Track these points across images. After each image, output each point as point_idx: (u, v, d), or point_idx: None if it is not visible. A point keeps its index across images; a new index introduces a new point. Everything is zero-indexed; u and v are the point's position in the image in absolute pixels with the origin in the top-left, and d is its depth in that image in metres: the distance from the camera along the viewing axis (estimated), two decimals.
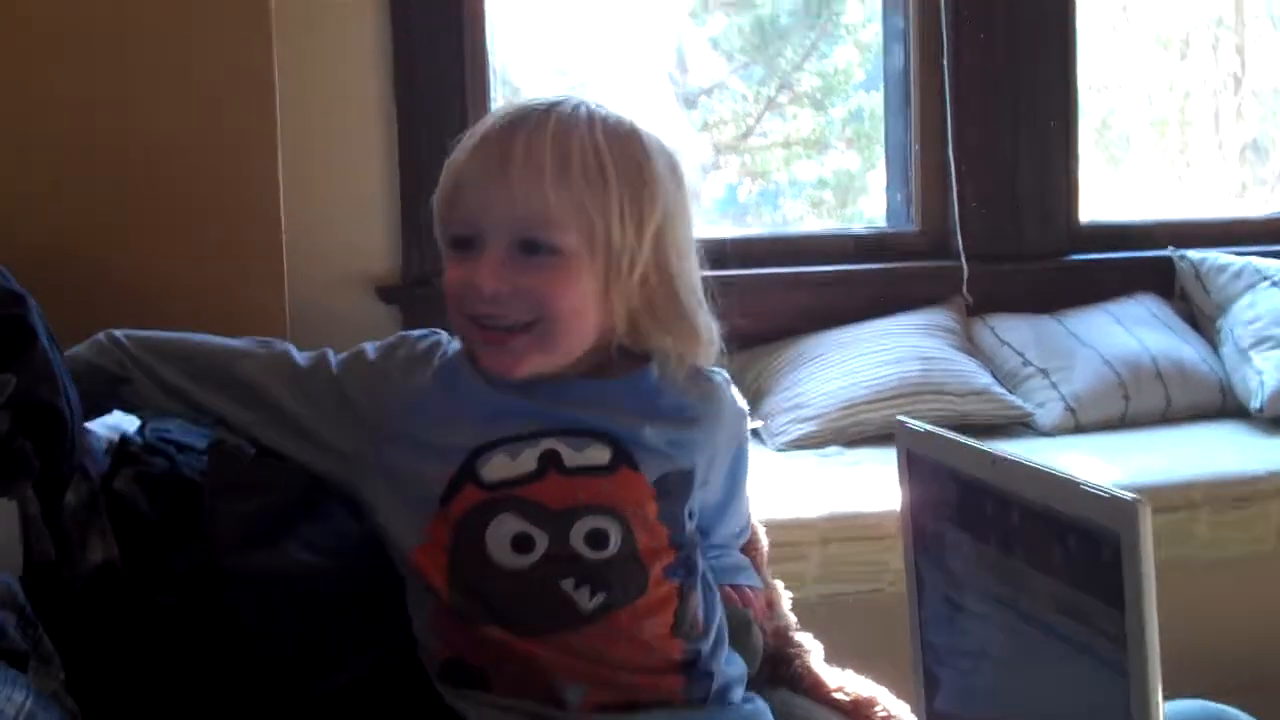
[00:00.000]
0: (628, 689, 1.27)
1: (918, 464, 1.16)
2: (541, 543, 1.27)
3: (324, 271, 2.96)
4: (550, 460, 1.30)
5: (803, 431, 3.11)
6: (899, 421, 1.18)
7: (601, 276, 1.31)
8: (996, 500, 1.03)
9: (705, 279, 1.39)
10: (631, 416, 1.35)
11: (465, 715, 1.27)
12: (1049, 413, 3.21)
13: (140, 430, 1.54)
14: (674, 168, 1.36)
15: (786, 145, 4.15)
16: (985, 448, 1.04)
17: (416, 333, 1.42)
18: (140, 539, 1.38)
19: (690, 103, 4.02)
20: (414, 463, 1.32)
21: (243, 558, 1.38)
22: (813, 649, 1.58)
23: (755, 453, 1.70)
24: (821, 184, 4.12)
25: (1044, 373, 3.30)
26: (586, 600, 1.27)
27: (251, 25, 2.26)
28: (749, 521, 1.56)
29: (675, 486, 1.35)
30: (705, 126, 4.06)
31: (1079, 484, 0.91)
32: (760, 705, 1.35)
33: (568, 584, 1.27)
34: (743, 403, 1.48)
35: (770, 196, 4.17)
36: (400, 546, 1.33)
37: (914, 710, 1.43)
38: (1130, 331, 3.39)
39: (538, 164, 1.27)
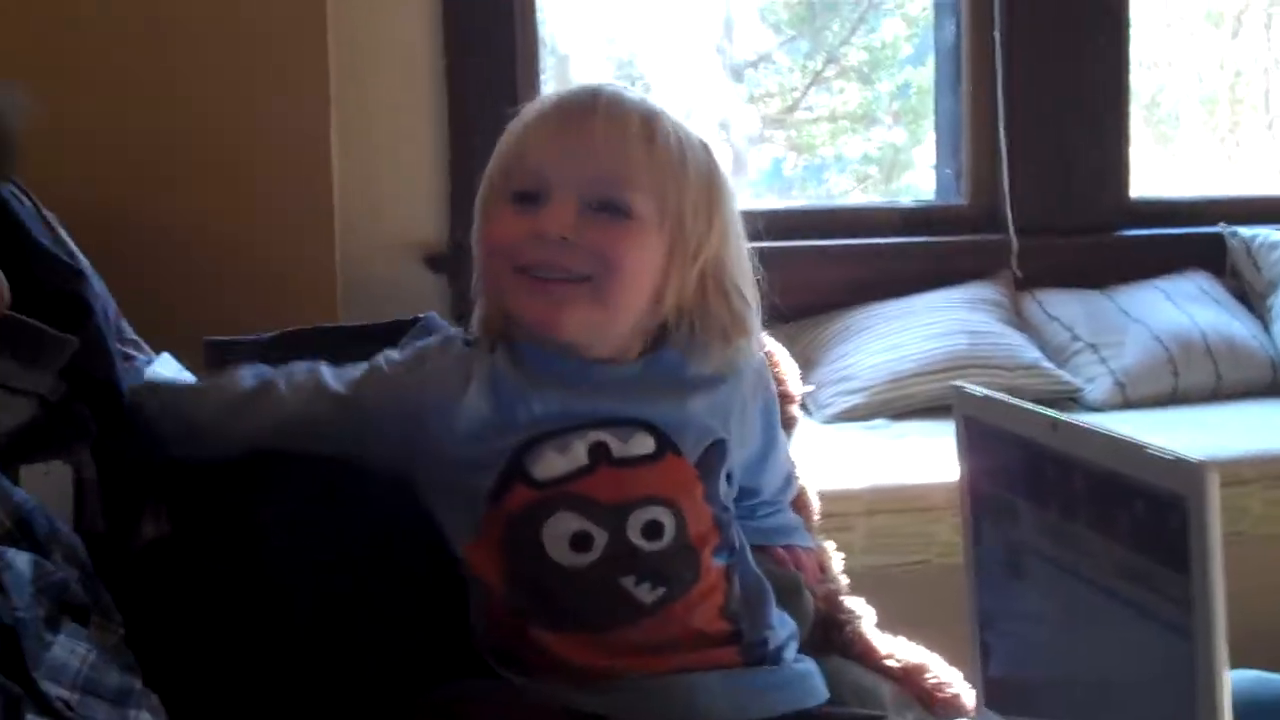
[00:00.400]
0: (679, 667, 1.27)
1: (975, 430, 1.16)
2: (600, 540, 1.26)
3: (374, 239, 2.96)
4: (600, 453, 1.29)
5: (849, 404, 3.10)
6: (956, 387, 1.18)
7: (667, 251, 1.30)
8: (1058, 465, 1.02)
9: (753, 267, 1.38)
10: (669, 396, 1.33)
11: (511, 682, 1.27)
12: (1098, 388, 3.19)
13: None
14: (732, 190, 1.37)
15: (833, 120, 4.13)
16: (1047, 411, 1.04)
17: (434, 340, 1.40)
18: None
19: (737, 75, 4.00)
20: (459, 464, 1.30)
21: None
22: (864, 614, 1.58)
23: (802, 424, 1.70)
24: (867, 160, 4.10)
25: (1093, 348, 3.28)
26: (647, 594, 1.26)
27: None
28: (792, 470, 1.54)
29: (713, 460, 1.34)
30: (751, 100, 4.04)
31: (1145, 447, 0.90)
32: (810, 665, 1.35)
33: (628, 581, 1.26)
34: (760, 351, 1.46)
35: (815, 171, 4.15)
36: (454, 543, 1.32)
37: (967, 677, 1.43)
38: (1180, 307, 3.37)
39: (622, 123, 1.27)
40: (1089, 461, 0.98)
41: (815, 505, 1.62)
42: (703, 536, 1.31)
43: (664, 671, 1.25)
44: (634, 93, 1.32)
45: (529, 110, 1.33)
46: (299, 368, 1.39)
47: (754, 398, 1.41)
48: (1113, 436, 0.96)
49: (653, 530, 1.28)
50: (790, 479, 1.54)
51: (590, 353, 1.33)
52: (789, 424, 1.61)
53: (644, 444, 1.30)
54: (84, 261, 1.40)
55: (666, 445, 1.31)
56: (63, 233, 1.40)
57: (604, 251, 1.27)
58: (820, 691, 1.33)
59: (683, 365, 1.35)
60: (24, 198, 1.35)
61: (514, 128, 1.33)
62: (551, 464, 1.28)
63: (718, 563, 1.32)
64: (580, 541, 1.26)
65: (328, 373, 1.38)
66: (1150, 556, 0.91)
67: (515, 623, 1.28)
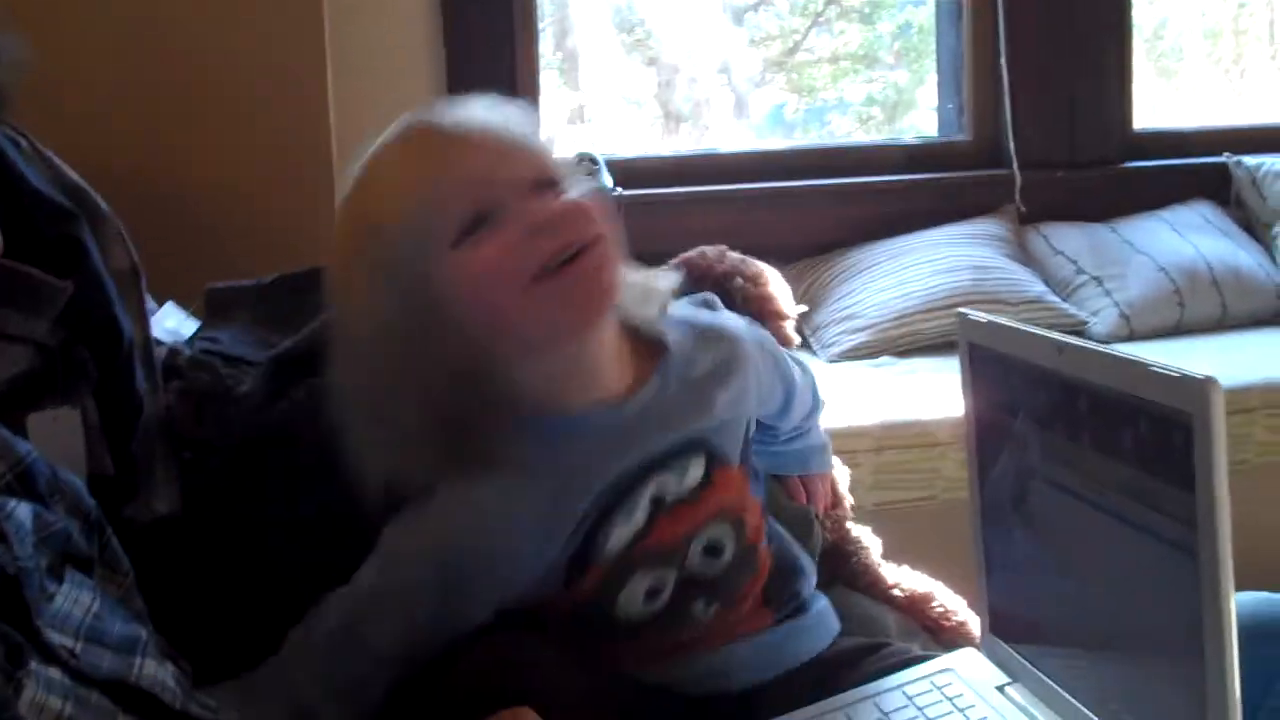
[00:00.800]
0: (719, 643, 1.26)
1: (980, 356, 1.16)
2: (669, 580, 1.22)
3: None
4: (655, 505, 1.21)
5: (855, 342, 3.11)
6: (961, 314, 1.18)
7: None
8: (1063, 387, 1.02)
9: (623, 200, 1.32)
10: (695, 403, 1.24)
11: None
12: (1103, 320, 3.19)
13: (190, 340, 1.56)
14: None
15: (834, 61, 4.11)
16: (1052, 335, 1.04)
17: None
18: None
19: (737, 19, 3.98)
20: (538, 573, 1.21)
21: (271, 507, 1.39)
22: (870, 545, 1.59)
23: (808, 363, 1.69)
24: (870, 101, 4.08)
25: (1098, 280, 3.27)
26: (704, 613, 1.25)
27: None
28: (815, 391, 1.47)
29: (749, 441, 1.31)
30: (752, 43, 4.02)
31: (1149, 366, 0.90)
32: (824, 604, 1.34)
33: (696, 606, 1.24)
34: (739, 319, 1.37)
35: (818, 114, 4.12)
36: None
37: (973, 606, 1.44)
38: (1185, 238, 3.36)
39: (495, 131, 1.17)
40: (1094, 383, 0.98)
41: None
42: (757, 529, 1.29)
43: (707, 651, 1.25)
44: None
45: (380, 168, 1.20)
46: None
47: (763, 363, 1.33)
48: (1117, 356, 0.96)
49: (714, 550, 1.25)
50: (817, 401, 1.48)
51: (605, 390, 1.21)
52: (785, 344, 1.60)
53: (695, 472, 1.23)
54: (92, 197, 1.38)
55: (714, 459, 1.25)
56: (69, 172, 1.38)
57: (584, 208, 1.15)
58: (832, 626, 1.33)
59: (686, 365, 1.26)
60: (20, 138, 1.34)
61: (395, 176, 1.19)
62: (621, 536, 1.20)
63: (766, 545, 1.31)
64: (652, 594, 1.23)
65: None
66: (1156, 476, 0.91)
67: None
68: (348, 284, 1.19)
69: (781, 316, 1.64)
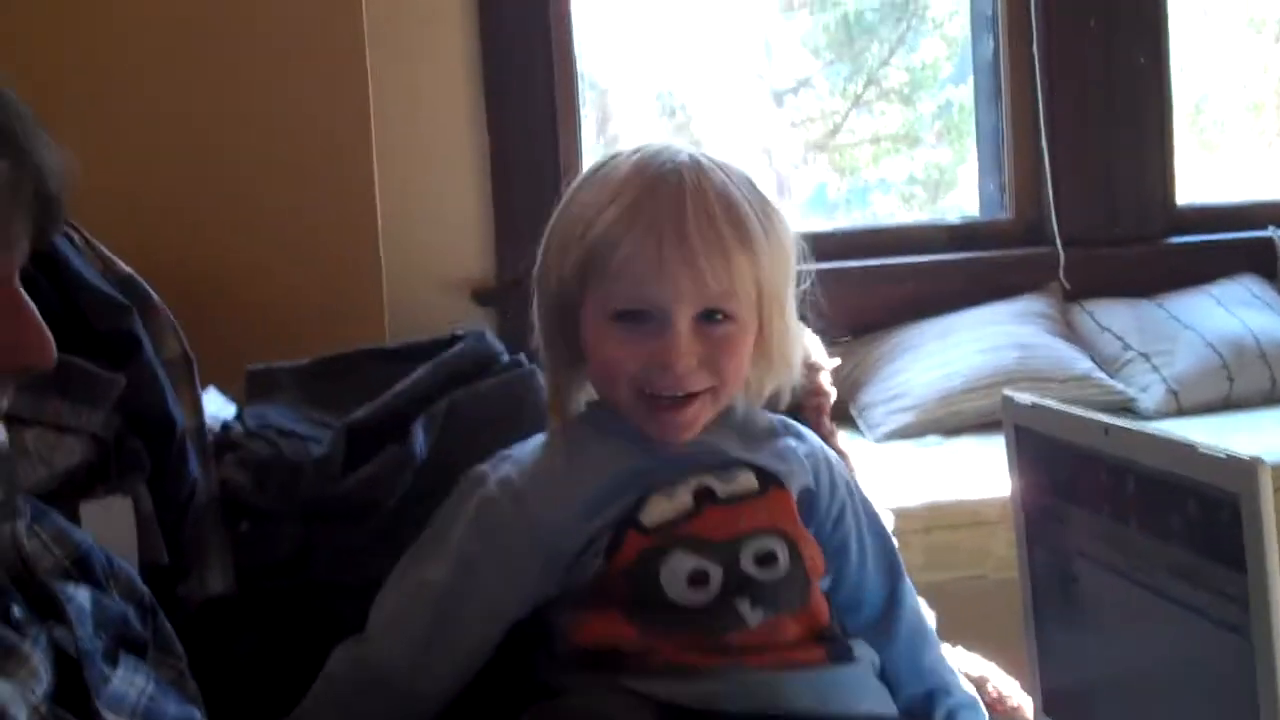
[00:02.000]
0: (772, 664, 1.27)
1: (1026, 438, 1.16)
2: (716, 575, 1.26)
3: (420, 276, 2.99)
4: (705, 495, 1.29)
5: (901, 422, 3.10)
6: (1006, 396, 1.18)
7: (754, 332, 1.31)
8: (1110, 469, 1.02)
9: (803, 291, 1.38)
10: (759, 438, 1.36)
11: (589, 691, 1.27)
12: (1151, 396, 3.17)
13: (239, 416, 1.57)
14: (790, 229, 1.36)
15: (875, 141, 4.13)
16: (1098, 416, 1.04)
17: (472, 506, 1.33)
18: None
19: (778, 101, 4.01)
20: (580, 542, 1.29)
21: (345, 573, 1.41)
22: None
23: (853, 444, 1.69)
24: (911, 180, 4.09)
25: (1145, 356, 3.26)
26: (753, 616, 1.26)
27: (346, 39, 2.30)
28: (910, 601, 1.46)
29: (807, 504, 1.35)
30: (793, 125, 4.05)
31: (1196, 447, 0.90)
32: (870, 652, 1.35)
33: (743, 605, 1.26)
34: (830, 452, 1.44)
35: (860, 194, 4.14)
36: (566, 622, 1.31)
37: (1025, 687, 1.42)
38: (1232, 312, 3.34)
39: (717, 233, 1.25)
40: (1141, 464, 0.98)
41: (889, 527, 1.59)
42: (815, 567, 1.31)
43: (756, 667, 1.25)
44: (706, 165, 1.30)
45: (601, 196, 1.30)
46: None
47: (831, 477, 1.39)
48: (1164, 437, 0.96)
49: (767, 559, 1.28)
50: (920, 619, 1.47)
51: None
52: (821, 394, 1.63)
53: (748, 482, 1.31)
54: (143, 287, 1.41)
55: (770, 480, 1.32)
56: (119, 263, 1.40)
57: (718, 367, 1.28)
58: (888, 700, 1.33)
59: (756, 412, 1.39)
60: (73, 233, 1.36)
61: (590, 227, 1.29)
62: (660, 509, 1.28)
63: (824, 583, 1.34)
64: (697, 578, 1.25)
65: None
66: (1205, 556, 0.91)
67: (614, 630, 1.28)
68: (547, 248, 1.34)
69: (816, 369, 1.65)
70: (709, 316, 1.27)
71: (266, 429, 1.53)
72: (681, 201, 1.26)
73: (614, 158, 1.33)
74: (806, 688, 1.26)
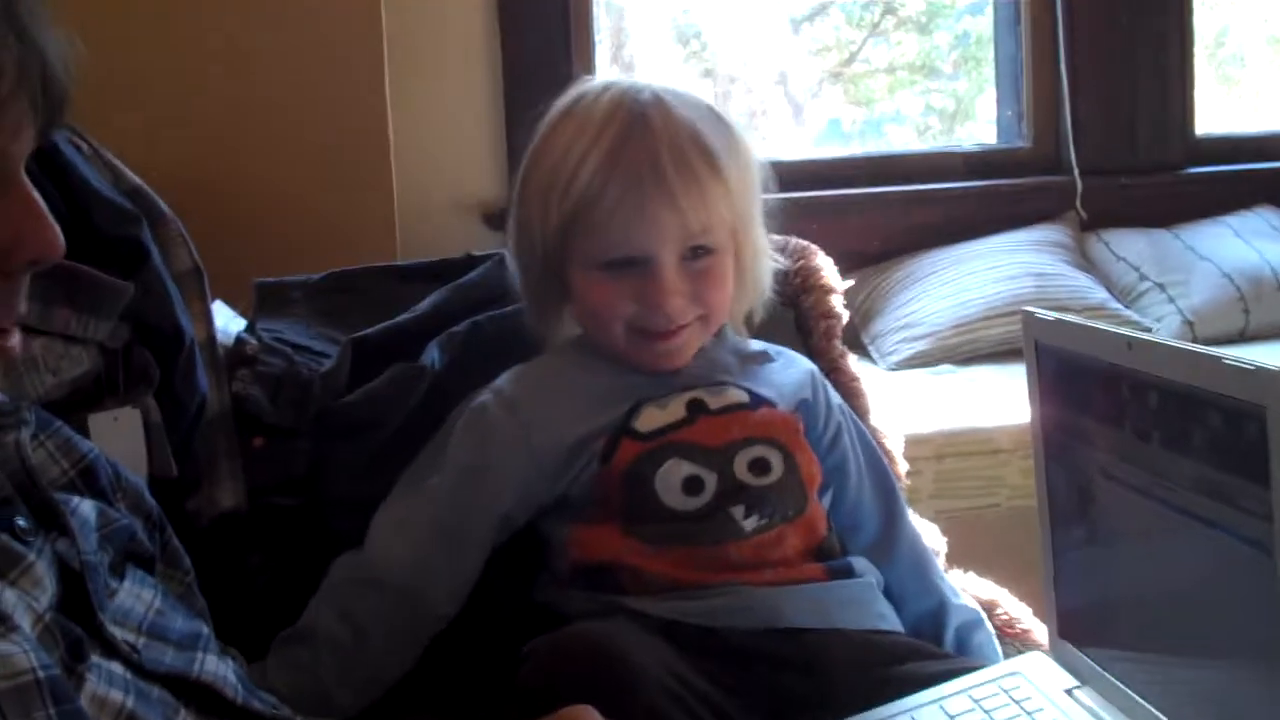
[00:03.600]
0: (771, 581, 1.28)
1: (1046, 355, 1.14)
2: (710, 481, 1.29)
3: (432, 196, 2.98)
4: (697, 406, 1.34)
5: (914, 350, 3.08)
6: (1026, 312, 1.16)
7: (734, 259, 1.37)
8: (1132, 385, 1.00)
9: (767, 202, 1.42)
10: (747, 364, 1.43)
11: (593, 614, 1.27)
12: (1166, 327, 3.15)
13: (250, 329, 1.56)
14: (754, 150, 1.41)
15: (891, 71, 4.08)
16: (1121, 330, 1.02)
17: (471, 417, 1.36)
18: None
19: (795, 28, 3.97)
20: (573, 447, 1.33)
21: (349, 489, 1.40)
22: (936, 549, 1.57)
23: (866, 371, 1.69)
24: (928, 110, 4.05)
25: (1161, 287, 3.23)
26: (748, 522, 1.29)
27: None
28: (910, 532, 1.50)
29: (804, 416, 1.40)
30: (809, 53, 4.00)
31: (1222, 359, 0.88)
32: (873, 570, 1.37)
33: (737, 511, 1.29)
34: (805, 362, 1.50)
35: (874, 125, 4.10)
36: (561, 532, 1.34)
37: (1037, 613, 1.42)
38: (1249, 244, 3.31)
39: (692, 173, 1.30)
40: (1164, 379, 0.96)
41: (898, 451, 1.59)
42: (812, 476, 1.35)
43: (757, 584, 1.27)
44: (670, 100, 1.33)
45: (577, 143, 1.32)
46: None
47: (825, 396, 1.45)
48: (1190, 350, 0.94)
49: (760, 466, 1.31)
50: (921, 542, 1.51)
51: None
52: (833, 317, 1.65)
53: (738, 396, 1.36)
54: (152, 197, 1.39)
55: (760, 399, 1.36)
56: (128, 173, 1.39)
57: (705, 298, 1.34)
58: (890, 613, 1.34)
59: (743, 340, 1.46)
60: (81, 141, 1.34)
61: (567, 165, 1.32)
62: (653, 418, 1.32)
63: (823, 502, 1.37)
64: (692, 485, 1.29)
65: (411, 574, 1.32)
66: (1229, 470, 0.89)
67: (613, 545, 1.29)
68: (526, 196, 1.38)
69: (828, 290, 1.64)
70: (693, 253, 1.32)
71: (281, 344, 1.52)
72: (655, 144, 1.29)
73: (581, 98, 1.36)
74: (808, 604, 1.28)
